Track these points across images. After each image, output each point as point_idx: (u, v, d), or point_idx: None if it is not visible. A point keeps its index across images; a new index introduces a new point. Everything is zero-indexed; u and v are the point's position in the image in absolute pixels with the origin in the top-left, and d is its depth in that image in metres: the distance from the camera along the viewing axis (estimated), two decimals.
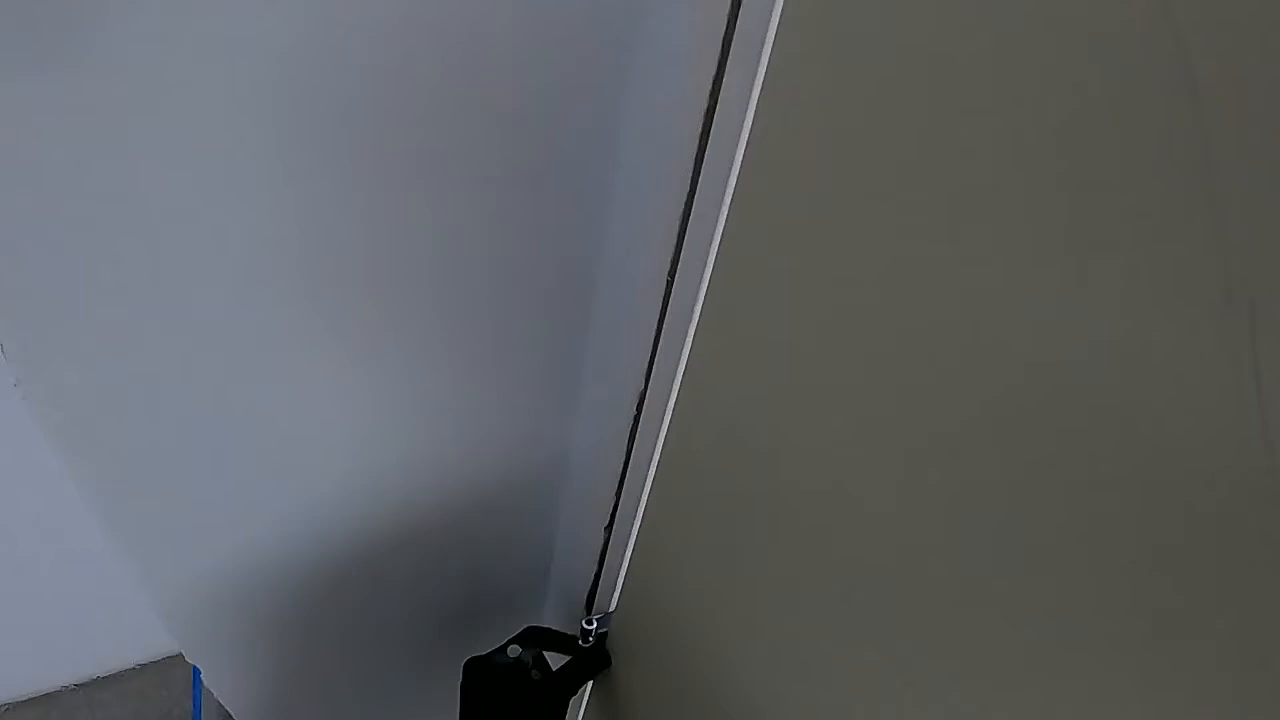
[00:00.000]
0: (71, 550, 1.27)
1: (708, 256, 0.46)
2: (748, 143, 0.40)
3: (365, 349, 0.54)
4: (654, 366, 0.56)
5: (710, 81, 0.43)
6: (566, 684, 0.72)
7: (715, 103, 0.43)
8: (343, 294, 0.50)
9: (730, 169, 0.42)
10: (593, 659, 0.73)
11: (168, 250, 0.43)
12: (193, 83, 0.38)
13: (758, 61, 0.38)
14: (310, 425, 0.57)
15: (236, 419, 0.53)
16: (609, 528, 0.68)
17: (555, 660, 0.73)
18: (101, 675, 1.55)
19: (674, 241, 0.50)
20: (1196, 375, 0.22)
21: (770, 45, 0.37)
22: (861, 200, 0.33)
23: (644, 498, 0.61)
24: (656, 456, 0.57)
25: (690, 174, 0.46)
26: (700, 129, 0.44)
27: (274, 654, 0.70)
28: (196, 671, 1.22)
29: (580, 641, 0.72)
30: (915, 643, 0.36)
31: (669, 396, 0.54)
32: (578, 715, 0.87)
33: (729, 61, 0.41)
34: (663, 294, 0.52)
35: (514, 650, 0.70)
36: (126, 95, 0.37)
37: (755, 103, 0.39)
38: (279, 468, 0.58)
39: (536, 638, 0.72)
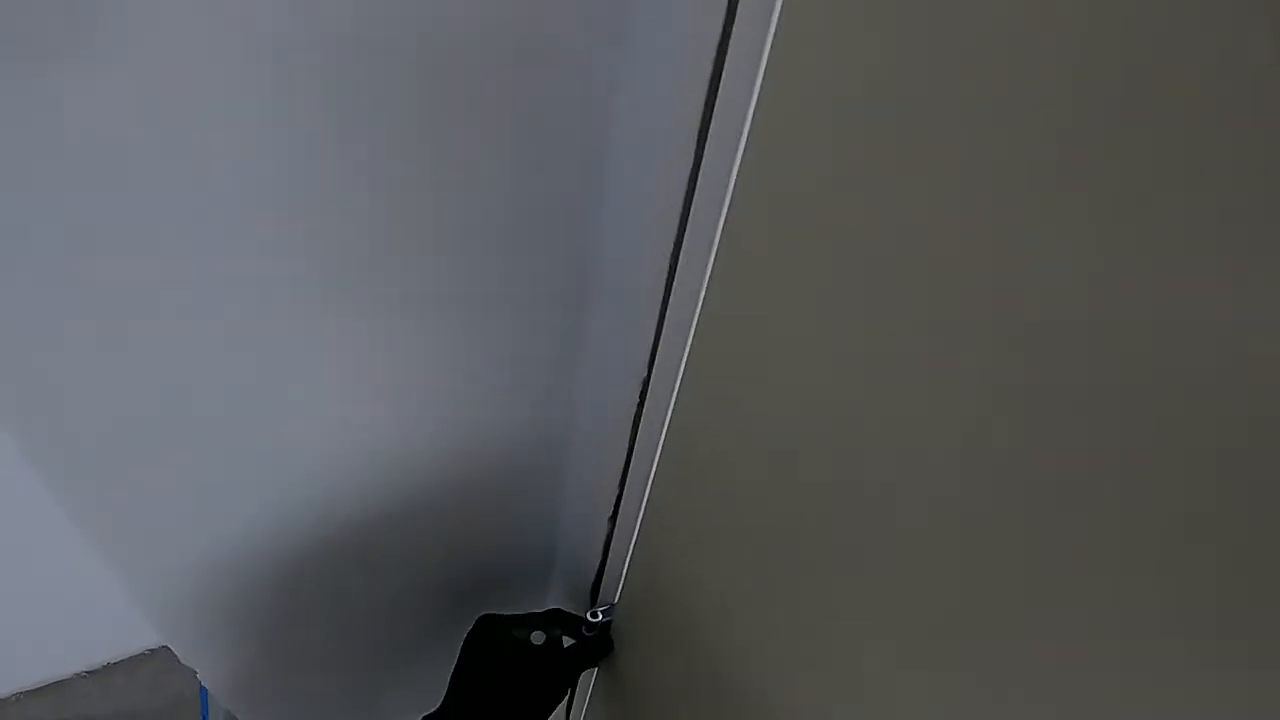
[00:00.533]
0: (76, 538, 1.25)
1: (712, 238, 0.43)
2: (753, 119, 0.37)
3: (359, 331, 0.52)
4: (657, 353, 0.53)
5: (714, 51, 0.39)
6: (570, 667, 0.70)
7: (719, 73, 0.40)
8: (337, 274, 0.48)
9: (735, 148, 0.39)
10: (597, 645, 0.71)
11: (139, 228, 0.40)
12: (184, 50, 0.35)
13: (766, 27, 0.34)
14: (302, 408, 0.54)
15: (218, 401, 0.50)
16: (613, 518, 0.66)
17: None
18: (112, 661, 1.54)
19: (677, 223, 0.47)
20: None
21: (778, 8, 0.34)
22: (873, 171, 0.30)
23: (648, 487, 0.58)
24: (660, 445, 0.55)
25: (693, 153, 0.43)
26: (703, 104, 0.41)
27: (265, 641, 0.68)
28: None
29: (584, 630, 0.70)
30: (922, 629, 0.34)
31: (674, 383, 0.51)
32: (584, 702, 0.85)
33: (733, 28, 0.38)
34: (666, 277, 0.50)
35: (538, 636, 0.68)
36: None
37: (761, 74, 0.36)
38: (265, 453, 0.55)
39: (559, 620, 0.70)
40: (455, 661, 0.69)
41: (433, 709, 0.67)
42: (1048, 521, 0.26)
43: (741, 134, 0.38)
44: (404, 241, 0.49)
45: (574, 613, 0.71)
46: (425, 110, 0.43)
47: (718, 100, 0.40)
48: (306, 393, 0.53)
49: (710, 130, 0.41)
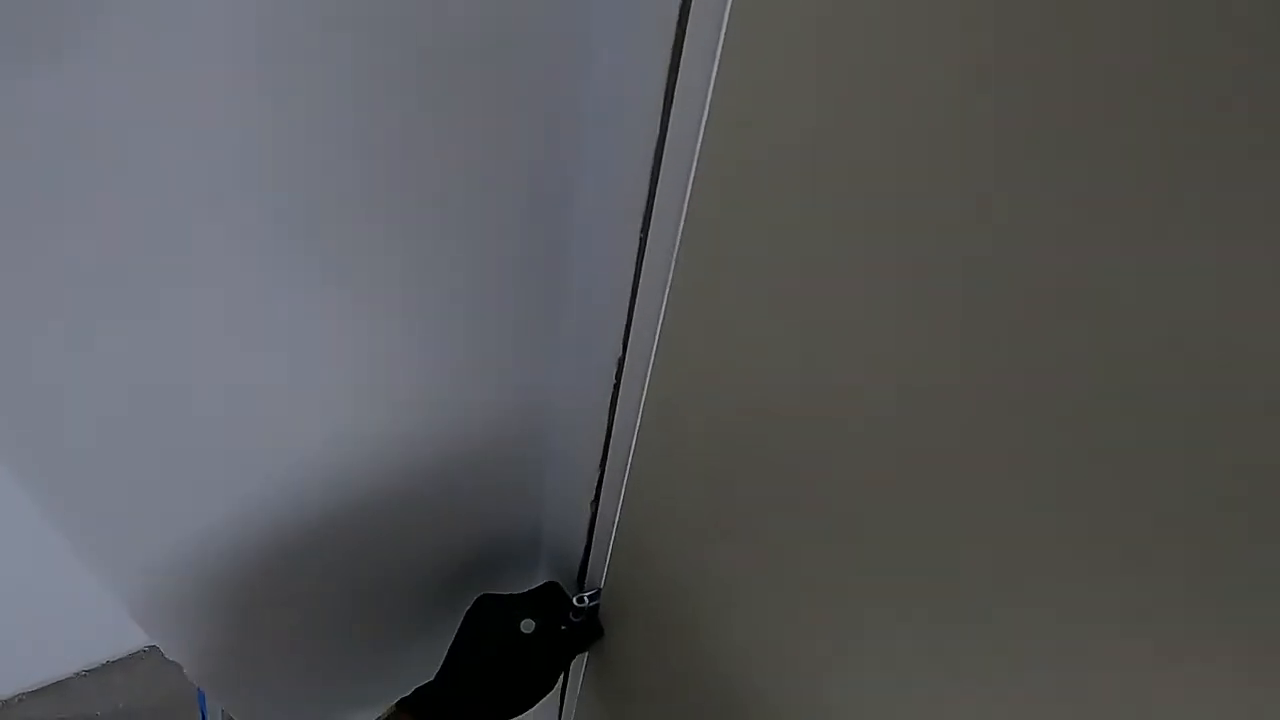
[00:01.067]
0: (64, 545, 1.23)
1: (680, 212, 0.41)
2: (716, 82, 0.35)
3: (331, 319, 0.50)
4: (630, 332, 0.51)
5: (676, 14, 0.37)
6: (562, 653, 0.69)
7: (681, 38, 0.38)
8: (306, 260, 0.45)
9: (701, 110, 0.37)
10: (588, 629, 0.69)
11: (99, 213, 0.37)
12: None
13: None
14: (273, 395, 0.52)
15: (189, 395, 0.48)
16: (595, 500, 0.64)
17: None
18: (111, 660, 1.53)
19: (644, 198, 0.45)
20: None
21: None
22: (845, 130, 0.28)
23: (628, 468, 0.56)
24: (638, 425, 0.53)
25: (658, 123, 0.41)
26: (667, 72, 0.39)
27: (248, 632, 0.66)
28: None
29: (572, 616, 0.69)
30: (910, 605, 0.32)
31: (648, 360, 0.49)
32: (576, 684, 0.84)
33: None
34: (636, 254, 0.48)
35: (528, 625, 0.66)
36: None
37: (724, 31, 0.34)
38: (241, 445, 0.53)
39: (554, 600, 0.69)
40: (451, 639, 0.68)
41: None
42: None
43: (705, 100, 0.36)
44: (376, 229, 0.47)
45: (568, 591, 0.70)
46: (401, 99, 0.40)
47: (678, 81, 0.38)
48: (282, 383, 0.51)
49: (674, 97, 0.39)
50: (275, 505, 0.59)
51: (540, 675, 0.67)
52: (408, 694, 0.65)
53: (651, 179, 0.43)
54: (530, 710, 0.67)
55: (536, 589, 0.71)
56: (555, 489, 0.71)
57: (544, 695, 0.67)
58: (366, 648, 0.80)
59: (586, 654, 0.77)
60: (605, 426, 0.58)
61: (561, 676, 0.80)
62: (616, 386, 0.55)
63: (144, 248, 0.40)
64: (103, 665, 1.55)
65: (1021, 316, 0.23)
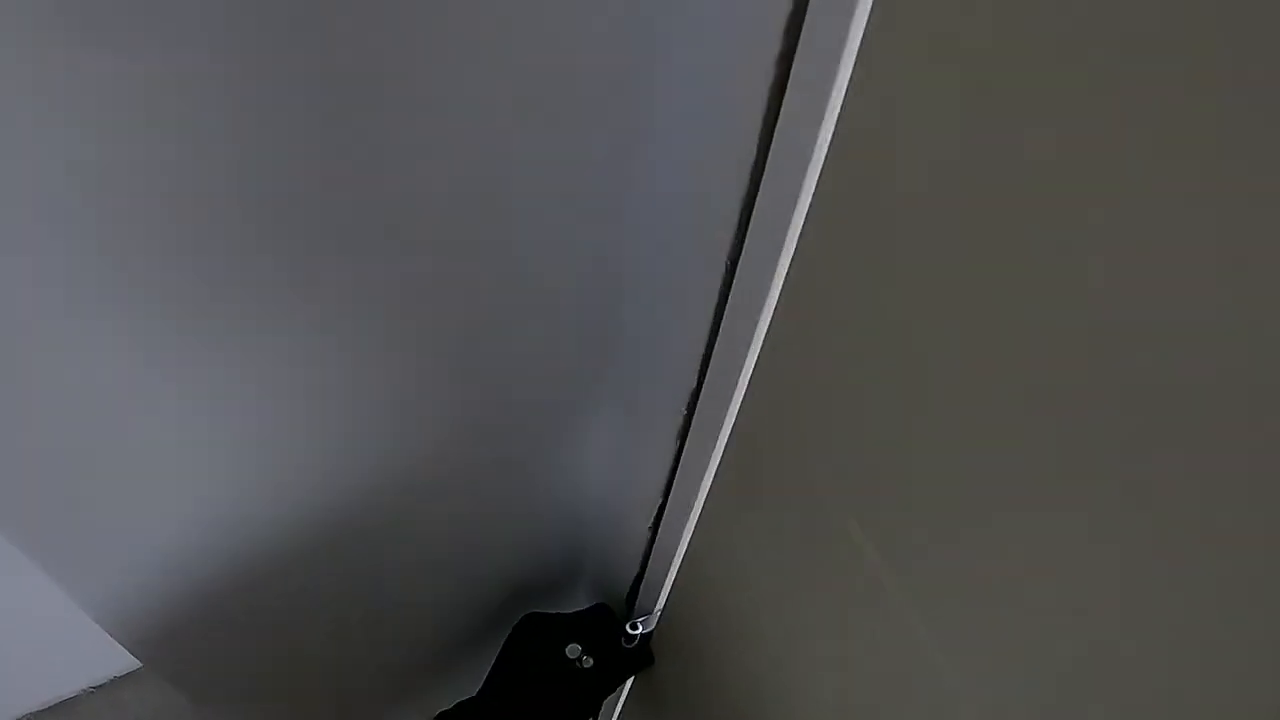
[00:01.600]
0: None
1: (785, 232, 0.39)
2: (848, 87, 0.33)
3: (385, 349, 0.47)
4: (709, 364, 0.49)
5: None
6: (609, 681, 0.67)
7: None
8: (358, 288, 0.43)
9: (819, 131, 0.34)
10: (637, 657, 0.68)
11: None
12: None
13: None
14: (315, 411, 0.49)
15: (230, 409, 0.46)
16: (654, 528, 0.62)
17: None
18: (118, 675, 1.49)
19: (736, 218, 0.42)
20: None
21: None
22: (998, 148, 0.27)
23: (699, 499, 0.55)
24: (715, 458, 0.51)
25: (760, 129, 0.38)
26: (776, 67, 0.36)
27: (279, 654, 0.64)
28: None
29: (624, 643, 0.67)
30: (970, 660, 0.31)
31: (728, 399, 0.48)
32: (614, 711, 0.82)
33: None
34: (720, 282, 0.46)
35: (574, 650, 0.64)
36: None
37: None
38: (274, 464, 0.51)
39: (603, 624, 0.67)
40: (496, 655, 0.66)
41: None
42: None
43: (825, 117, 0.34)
44: (426, 256, 0.44)
45: (618, 615, 0.68)
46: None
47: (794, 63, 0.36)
48: (333, 396, 0.49)
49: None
50: (311, 517, 0.56)
51: (585, 701, 0.65)
52: (449, 708, 0.63)
53: (749, 195, 0.41)
54: None
55: (585, 610, 0.69)
56: (608, 512, 0.69)
57: (588, 718, 0.66)
58: (402, 662, 0.78)
59: (632, 679, 0.75)
60: (673, 456, 0.56)
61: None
62: (689, 418, 0.53)
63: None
64: (110, 681, 1.51)
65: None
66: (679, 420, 0.54)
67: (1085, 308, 0.25)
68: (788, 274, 0.40)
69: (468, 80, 0.37)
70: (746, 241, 0.42)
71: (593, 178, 0.46)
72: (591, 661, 0.64)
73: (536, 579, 0.79)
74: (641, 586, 0.67)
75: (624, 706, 0.80)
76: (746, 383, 0.46)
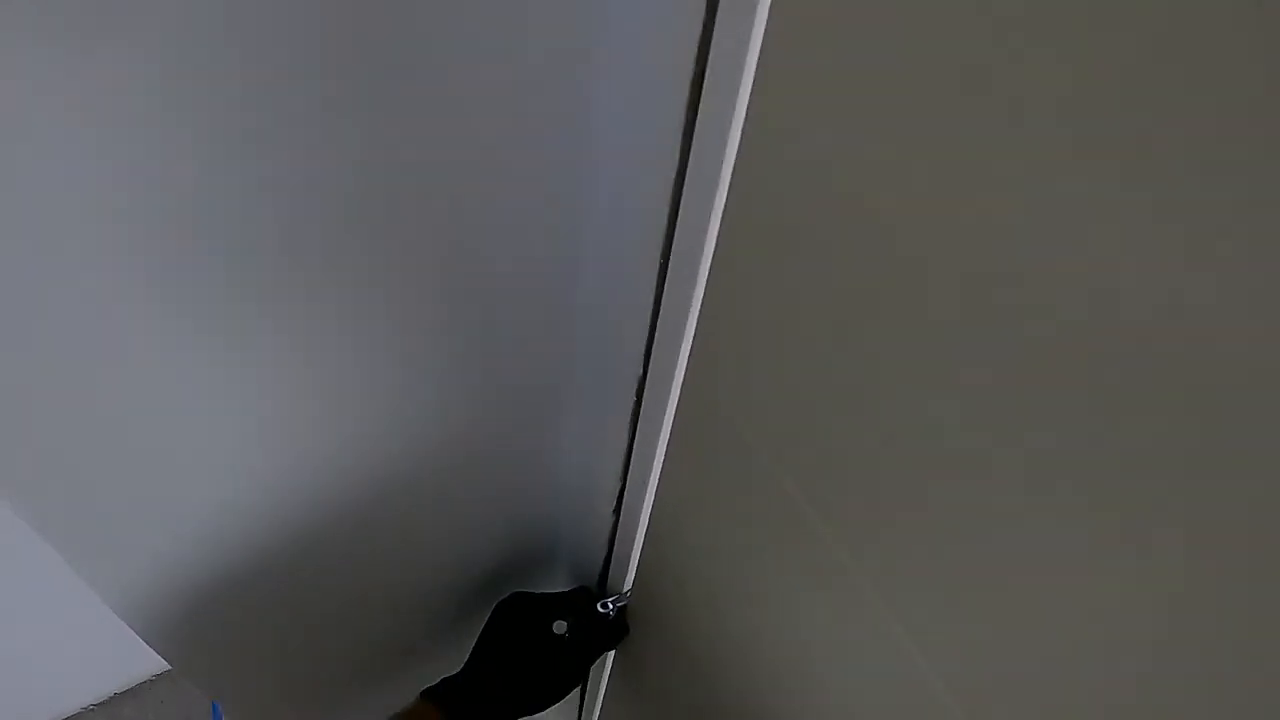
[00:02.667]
0: (68, 575, 1.18)
1: (707, 227, 0.40)
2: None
3: (346, 333, 0.48)
4: (652, 351, 0.50)
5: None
6: (590, 653, 0.68)
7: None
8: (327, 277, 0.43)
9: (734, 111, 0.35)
10: (616, 629, 0.69)
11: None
12: None
13: None
14: (290, 410, 0.50)
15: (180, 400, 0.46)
16: (616, 511, 0.63)
17: None
18: (119, 691, 1.48)
19: (669, 207, 0.43)
20: None
21: None
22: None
23: (652, 480, 0.56)
24: (663, 440, 0.52)
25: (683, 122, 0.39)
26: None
27: (260, 641, 0.64)
28: None
29: (602, 612, 0.68)
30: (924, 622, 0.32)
31: (671, 381, 0.49)
32: (599, 685, 0.83)
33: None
34: (657, 271, 0.46)
35: (560, 625, 0.65)
36: None
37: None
38: (249, 456, 0.51)
39: (585, 602, 0.68)
40: (479, 634, 0.67)
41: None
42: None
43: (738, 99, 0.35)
44: (401, 247, 0.45)
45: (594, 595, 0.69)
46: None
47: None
48: (306, 390, 0.49)
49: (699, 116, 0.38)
50: (291, 508, 0.56)
51: (568, 674, 0.66)
52: (433, 684, 0.63)
53: (676, 185, 0.42)
54: (552, 709, 0.66)
55: (569, 591, 0.70)
56: (574, 499, 0.70)
57: (569, 693, 0.67)
58: (386, 645, 0.78)
59: (612, 654, 0.76)
60: (626, 441, 0.57)
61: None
62: (638, 404, 0.54)
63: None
64: (111, 697, 1.50)
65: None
66: (630, 405, 0.55)
67: (974, 290, 0.26)
68: (712, 264, 0.41)
69: (445, 85, 0.38)
70: (675, 235, 0.43)
71: (549, 180, 0.47)
72: (573, 635, 0.65)
73: (515, 563, 0.80)
74: (611, 566, 0.68)
75: (607, 679, 0.81)
76: (685, 366, 0.47)
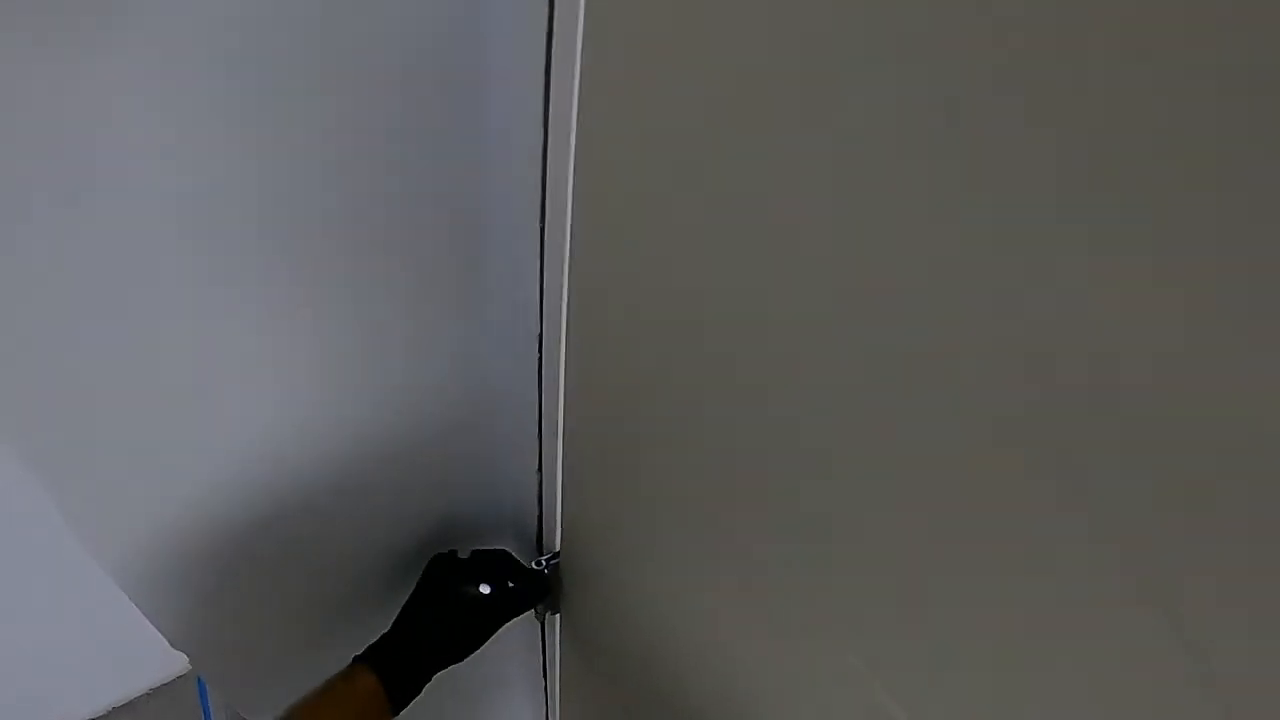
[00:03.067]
0: (68, 592, 1.20)
1: (567, 183, 0.43)
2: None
3: (269, 306, 0.51)
4: (543, 305, 0.53)
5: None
6: (508, 611, 0.71)
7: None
8: (251, 249, 0.47)
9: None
10: (533, 590, 0.71)
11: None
12: None
13: None
14: (222, 380, 0.53)
15: (147, 378, 0.49)
16: (539, 469, 0.66)
17: None
18: (116, 705, 1.50)
19: (539, 182, 0.47)
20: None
21: None
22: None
23: (559, 437, 0.59)
24: (561, 396, 0.55)
25: (542, 97, 0.43)
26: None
27: (233, 604, 0.67)
28: (201, 686, 1.19)
29: (528, 577, 0.71)
30: (844, 562, 0.34)
31: (560, 335, 0.52)
32: (555, 642, 0.86)
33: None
34: (538, 231, 0.50)
35: (481, 586, 0.69)
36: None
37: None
38: (195, 426, 0.54)
39: (505, 563, 0.71)
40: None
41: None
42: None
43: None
44: (336, 246, 0.49)
45: (519, 559, 0.72)
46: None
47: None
48: (223, 367, 0.53)
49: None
50: (246, 487, 0.60)
51: (483, 628, 0.69)
52: (361, 651, 0.66)
53: (542, 183, 0.46)
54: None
55: (487, 552, 0.72)
56: (504, 461, 0.73)
57: (483, 644, 0.70)
58: (342, 613, 0.81)
59: (560, 615, 0.79)
60: (536, 401, 0.60)
61: (540, 634, 0.83)
62: (540, 360, 0.57)
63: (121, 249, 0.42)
64: (109, 711, 1.52)
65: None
66: (535, 364, 0.58)
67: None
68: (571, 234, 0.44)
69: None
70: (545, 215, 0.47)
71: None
72: (492, 593, 0.68)
73: (464, 532, 0.82)
74: (543, 527, 0.71)
75: (560, 637, 0.84)
76: (564, 320, 0.50)
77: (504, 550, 0.72)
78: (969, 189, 0.22)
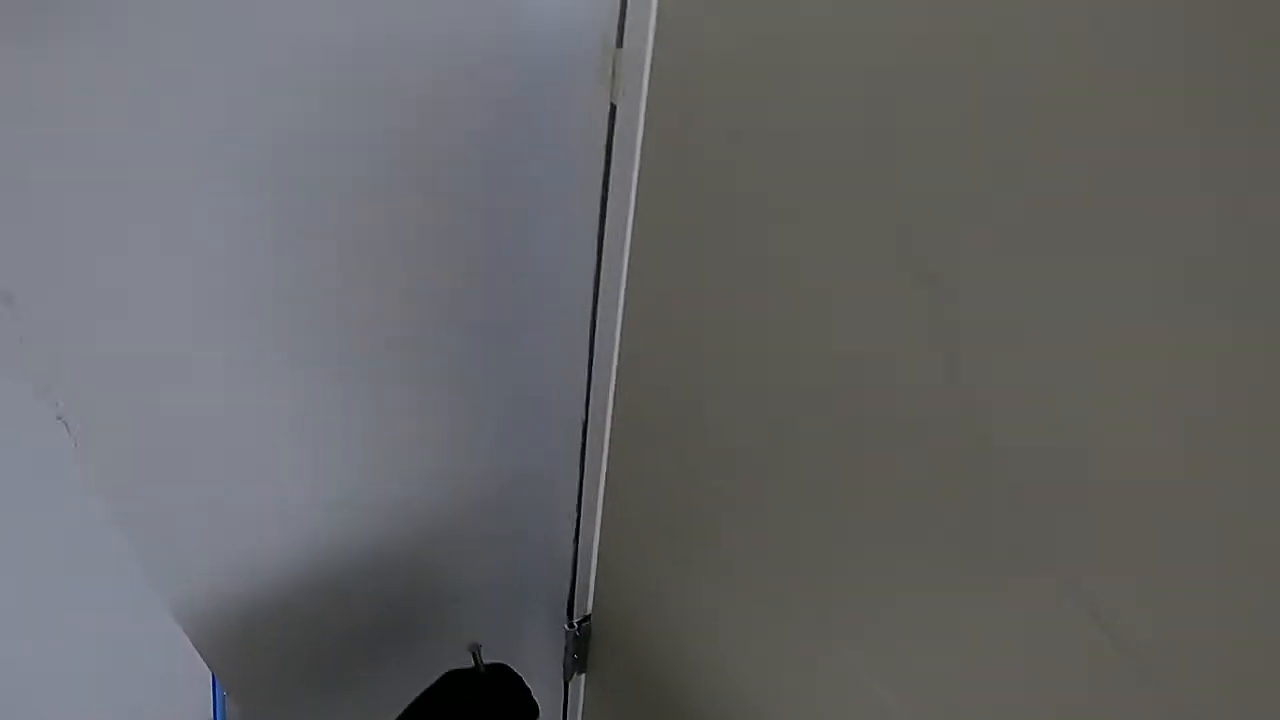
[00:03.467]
0: (69, 648, 1.21)
1: (620, 278, 0.47)
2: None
3: (331, 390, 0.55)
4: (591, 392, 0.56)
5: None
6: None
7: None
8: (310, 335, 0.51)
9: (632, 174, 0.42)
10: (527, 709, 0.73)
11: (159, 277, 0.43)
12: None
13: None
14: (280, 453, 0.57)
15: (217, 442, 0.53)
16: (575, 540, 0.68)
17: None
18: None
19: (593, 273, 0.50)
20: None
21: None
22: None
23: (598, 512, 0.61)
24: (603, 472, 0.58)
25: (600, 190, 0.47)
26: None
27: (272, 651, 0.70)
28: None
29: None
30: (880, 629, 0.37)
31: (605, 415, 0.54)
32: (577, 705, 0.87)
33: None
34: (590, 320, 0.53)
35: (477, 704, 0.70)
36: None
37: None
38: (260, 508, 0.58)
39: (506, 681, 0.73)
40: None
41: None
42: None
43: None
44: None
45: (520, 677, 0.73)
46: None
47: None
48: (281, 442, 0.56)
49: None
50: (297, 563, 0.63)
51: None
52: None
53: (596, 269, 0.49)
54: None
55: (493, 666, 0.74)
56: (537, 531, 0.75)
57: None
58: (372, 666, 0.83)
59: (585, 676, 0.80)
60: (578, 475, 0.63)
61: (564, 694, 0.84)
62: (584, 442, 0.60)
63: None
64: None
65: None
66: (578, 442, 0.61)
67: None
68: (625, 304, 0.47)
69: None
70: (600, 284, 0.50)
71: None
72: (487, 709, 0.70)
73: (484, 601, 0.84)
74: (575, 594, 0.73)
75: (584, 700, 0.85)
76: (611, 404, 0.53)
77: (505, 666, 0.74)
78: None
